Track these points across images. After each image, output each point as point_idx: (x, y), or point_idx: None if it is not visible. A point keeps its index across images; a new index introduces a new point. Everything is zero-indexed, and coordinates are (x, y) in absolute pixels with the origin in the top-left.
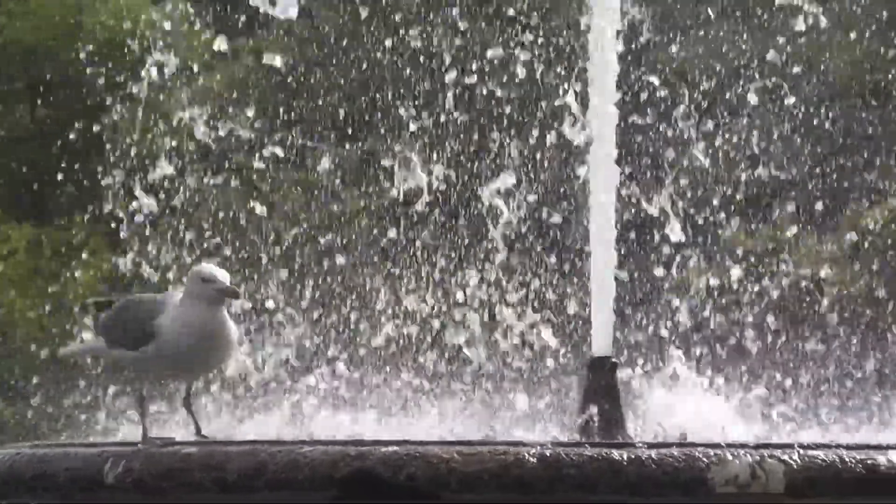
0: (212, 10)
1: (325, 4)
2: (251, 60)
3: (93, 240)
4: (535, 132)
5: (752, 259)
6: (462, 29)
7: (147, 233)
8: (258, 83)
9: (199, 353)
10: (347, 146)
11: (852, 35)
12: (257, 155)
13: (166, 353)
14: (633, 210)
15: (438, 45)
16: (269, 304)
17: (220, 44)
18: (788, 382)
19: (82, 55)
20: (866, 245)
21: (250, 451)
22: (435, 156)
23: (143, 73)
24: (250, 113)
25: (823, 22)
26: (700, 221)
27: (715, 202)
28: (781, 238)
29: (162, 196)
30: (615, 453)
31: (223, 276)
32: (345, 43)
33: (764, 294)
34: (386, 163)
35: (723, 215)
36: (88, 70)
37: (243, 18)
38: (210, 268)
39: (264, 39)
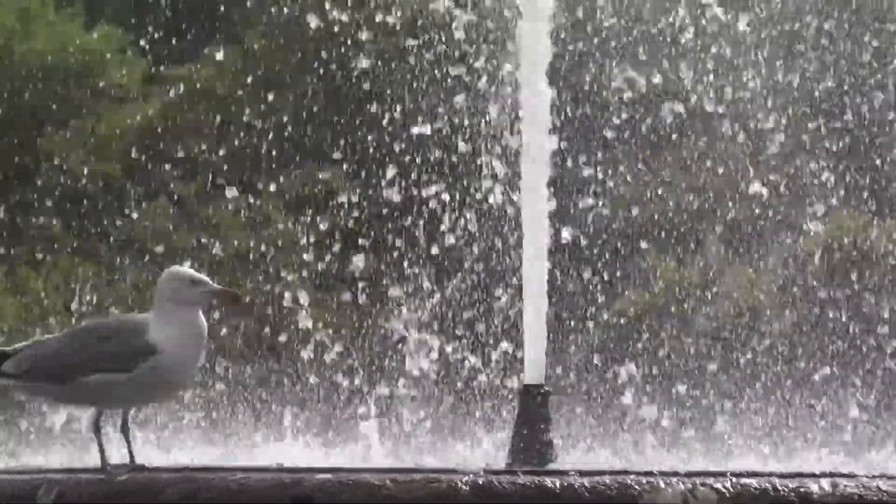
0: (146, 38)
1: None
2: (183, 88)
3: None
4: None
5: (683, 288)
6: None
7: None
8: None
9: (196, 362)
10: (282, 177)
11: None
12: (195, 181)
13: (168, 368)
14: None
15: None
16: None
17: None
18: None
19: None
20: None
21: (186, 479)
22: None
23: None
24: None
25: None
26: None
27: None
28: (712, 268)
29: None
30: (548, 481)
31: (206, 279)
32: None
33: (694, 322)
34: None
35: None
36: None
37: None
38: (191, 270)
39: (197, 68)
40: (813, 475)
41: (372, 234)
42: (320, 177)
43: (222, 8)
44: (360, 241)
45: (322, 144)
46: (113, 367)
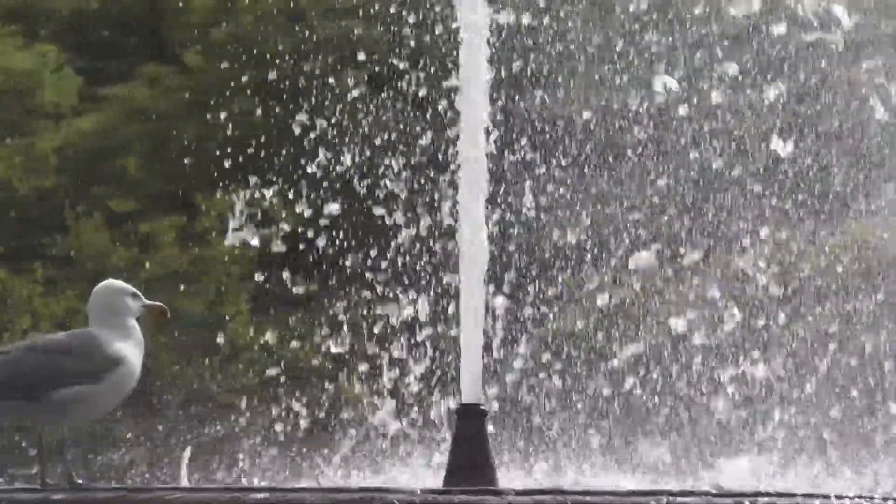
0: (82, 56)
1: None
2: (120, 106)
3: None
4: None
5: (621, 308)
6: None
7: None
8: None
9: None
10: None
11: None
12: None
13: (130, 376)
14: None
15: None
16: None
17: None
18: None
19: None
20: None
21: (119, 498)
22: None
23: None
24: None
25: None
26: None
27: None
28: (649, 286)
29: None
30: (486, 500)
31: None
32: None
33: (632, 342)
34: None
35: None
36: None
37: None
38: (125, 283)
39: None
40: (748, 494)
41: (312, 254)
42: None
43: (160, 27)
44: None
45: (261, 164)
46: (82, 379)
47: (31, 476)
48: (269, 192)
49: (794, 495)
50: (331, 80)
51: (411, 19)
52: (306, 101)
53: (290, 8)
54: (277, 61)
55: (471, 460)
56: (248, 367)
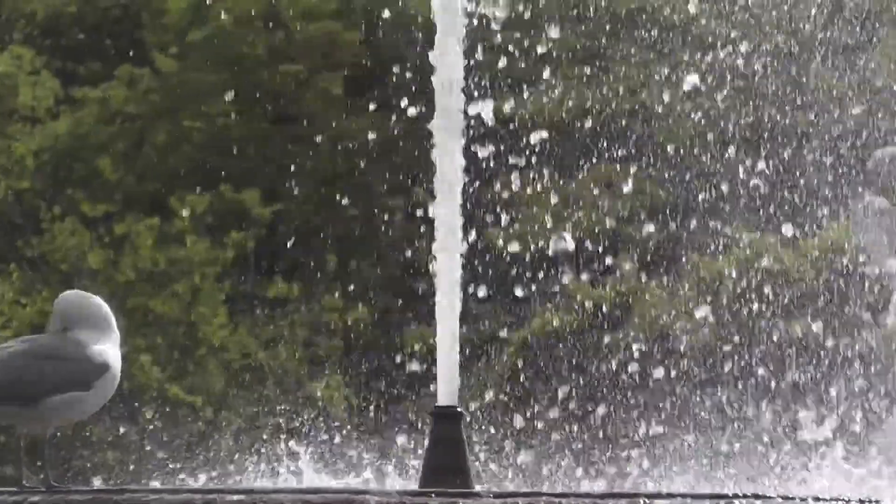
0: (58, 59)
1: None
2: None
3: None
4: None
5: (600, 309)
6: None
7: None
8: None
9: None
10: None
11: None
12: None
13: (115, 380)
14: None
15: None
16: None
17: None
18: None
19: None
20: (711, 294)
21: (96, 500)
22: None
23: None
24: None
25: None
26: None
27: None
28: (625, 288)
29: None
30: (460, 502)
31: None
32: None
33: (611, 344)
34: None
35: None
36: None
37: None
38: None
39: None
40: (727, 496)
41: (285, 256)
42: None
43: (135, 30)
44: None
45: (237, 166)
46: (74, 385)
47: (6, 478)
48: (244, 194)
49: (771, 498)
50: (309, 82)
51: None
52: (284, 103)
53: (267, 10)
54: (254, 63)
55: (447, 462)
56: (224, 368)
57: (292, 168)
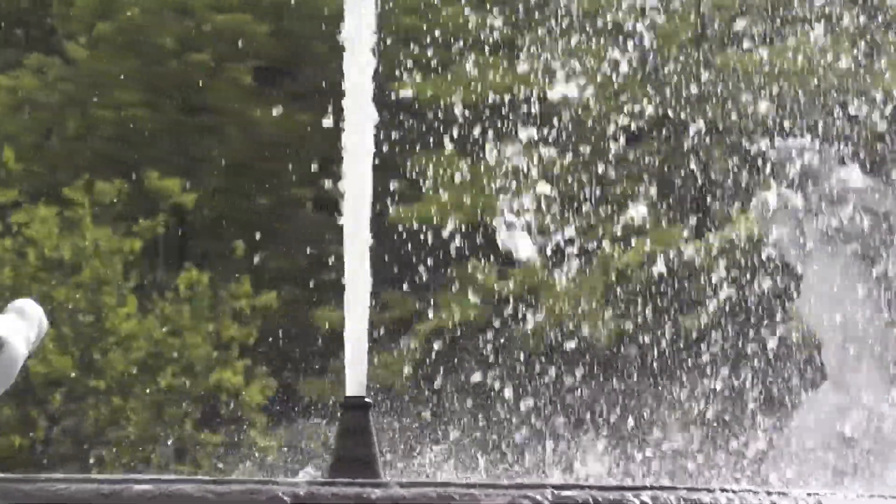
0: None
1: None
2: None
3: None
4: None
5: (507, 300)
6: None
7: None
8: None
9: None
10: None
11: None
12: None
13: (15, 360)
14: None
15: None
16: None
17: None
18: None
19: None
20: (619, 287)
21: (1, 490)
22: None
23: None
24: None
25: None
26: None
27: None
28: (534, 280)
29: None
30: (369, 493)
31: None
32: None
33: (516, 334)
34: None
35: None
36: None
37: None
38: None
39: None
40: (634, 488)
41: (195, 245)
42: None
43: (45, 19)
44: (185, 251)
45: (145, 156)
46: None
47: None
48: (154, 183)
49: (676, 488)
50: (219, 73)
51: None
52: (193, 93)
53: (177, 1)
54: (164, 53)
55: (355, 453)
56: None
57: (202, 158)
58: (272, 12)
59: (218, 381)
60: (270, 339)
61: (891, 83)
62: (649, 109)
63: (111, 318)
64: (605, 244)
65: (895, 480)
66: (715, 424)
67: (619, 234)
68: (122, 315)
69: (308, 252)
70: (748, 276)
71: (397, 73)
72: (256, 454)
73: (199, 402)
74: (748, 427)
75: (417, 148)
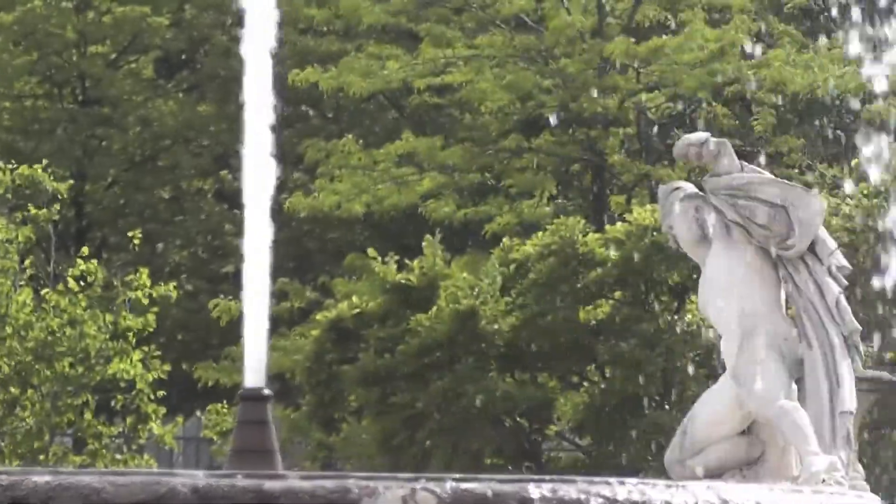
0: None
1: None
2: None
3: None
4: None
5: (406, 290)
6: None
7: None
8: None
9: None
10: None
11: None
12: None
13: None
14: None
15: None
16: None
17: None
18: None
19: None
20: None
21: None
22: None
23: None
24: None
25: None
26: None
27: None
28: (432, 270)
29: None
30: (268, 485)
31: None
32: None
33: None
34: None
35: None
36: None
37: None
38: None
39: None
40: (534, 480)
41: (92, 235)
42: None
43: None
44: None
45: (44, 146)
46: None
47: None
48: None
49: (575, 481)
50: (118, 64)
51: None
52: (93, 85)
53: None
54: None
55: (254, 444)
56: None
57: (101, 149)
58: (173, 3)
59: (115, 372)
60: (168, 329)
61: (784, 74)
62: (549, 100)
63: (6, 307)
64: (504, 235)
65: (794, 471)
66: (616, 417)
67: (517, 224)
68: (19, 303)
69: (208, 242)
70: (648, 267)
71: (297, 63)
72: (155, 444)
73: (96, 393)
74: (647, 418)
75: (316, 137)
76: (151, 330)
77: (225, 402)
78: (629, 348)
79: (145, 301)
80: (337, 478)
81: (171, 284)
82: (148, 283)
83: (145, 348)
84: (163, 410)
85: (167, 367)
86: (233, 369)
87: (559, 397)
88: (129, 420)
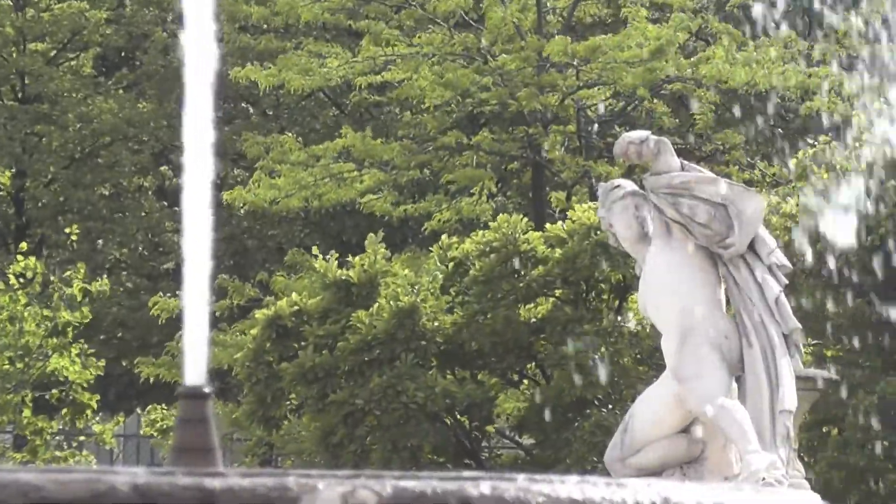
0: None
1: None
2: None
3: None
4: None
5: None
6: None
7: None
8: None
9: None
10: None
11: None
12: None
13: None
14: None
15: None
16: None
17: None
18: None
19: None
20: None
21: None
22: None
23: None
24: None
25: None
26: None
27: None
28: (373, 267)
29: None
30: (208, 482)
31: None
32: None
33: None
34: None
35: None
36: None
37: None
38: None
39: None
40: (474, 478)
41: (31, 232)
42: None
43: None
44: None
45: None
46: None
47: None
48: None
49: (515, 479)
50: (58, 61)
51: None
52: (32, 82)
53: None
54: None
55: (195, 442)
56: None
57: (40, 146)
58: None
59: (54, 368)
60: (108, 326)
61: (724, 70)
62: (488, 97)
63: None
64: (444, 234)
65: (734, 469)
66: (559, 416)
67: (457, 221)
68: None
69: (148, 240)
70: (589, 265)
71: (237, 60)
72: (94, 441)
73: (35, 390)
74: (591, 418)
75: (255, 133)
76: (87, 322)
77: (164, 403)
78: (572, 348)
79: (80, 296)
80: (277, 475)
81: (106, 280)
82: (84, 278)
83: (82, 344)
84: (97, 397)
85: (102, 364)
86: (172, 364)
87: (500, 395)
88: (65, 412)
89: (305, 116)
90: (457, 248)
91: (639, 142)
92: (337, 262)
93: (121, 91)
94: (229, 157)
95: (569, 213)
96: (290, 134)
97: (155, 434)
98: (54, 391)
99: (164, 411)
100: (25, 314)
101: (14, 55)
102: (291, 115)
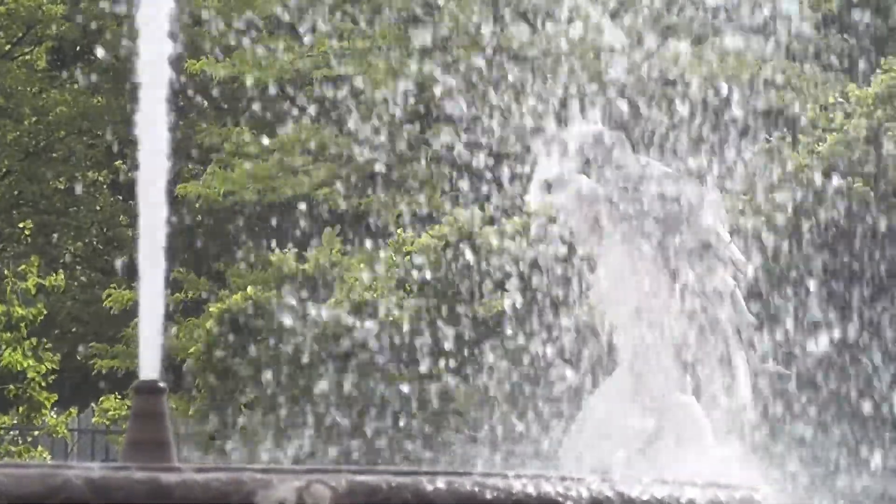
0: None
1: None
2: None
3: None
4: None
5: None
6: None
7: None
8: None
9: None
10: None
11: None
12: None
13: None
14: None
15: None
16: None
17: None
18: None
19: None
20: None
21: None
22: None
23: None
24: None
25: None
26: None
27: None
28: (330, 263)
29: None
30: (163, 477)
31: None
32: None
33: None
34: None
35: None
36: None
37: None
38: None
39: None
40: (429, 473)
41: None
42: None
43: None
44: None
45: None
46: None
47: None
48: None
49: (470, 474)
50: (12, 55)
51: None
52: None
53: None
54: None
55: (150, 437)
56: None
57: None
58: None
59: (7, 363)
60: (62, 321)
61: (687, 69)
62: (440, 91)
63: None
64: (398, 228)
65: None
66: (507, 408)
67: (412, 217)
68: None
69: (102, 234)
70: (542, 262)
71: (193, 53)
72: (48, 435)
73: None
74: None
75: (211, 125)
76: (41, 317)
77: (118, 394)
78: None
79: (34, 291)
80: (232, 470)
81: (61, 274)
82: (37, 271)
83: (33, 343)
84: (55, 397)
85: (57, 358)
86: (127, 354)
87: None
88: (21, 409)
89: (259, 110)
90: (410, 244)
91: (594, 136)
92: (294, 255)
93: (76, 85)
94: (183, 150)
95: (525, 208)
96: (243, 126)
97: (107, 423)
98: (11, 386)
99: (118, 401)
100: None
101: None
102: (245, 109)
